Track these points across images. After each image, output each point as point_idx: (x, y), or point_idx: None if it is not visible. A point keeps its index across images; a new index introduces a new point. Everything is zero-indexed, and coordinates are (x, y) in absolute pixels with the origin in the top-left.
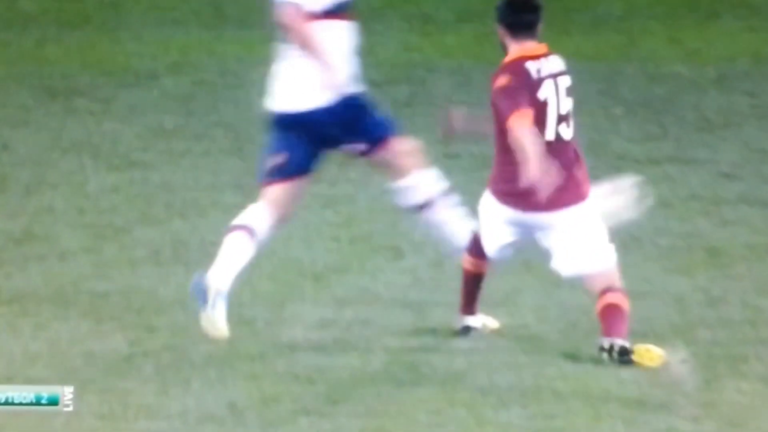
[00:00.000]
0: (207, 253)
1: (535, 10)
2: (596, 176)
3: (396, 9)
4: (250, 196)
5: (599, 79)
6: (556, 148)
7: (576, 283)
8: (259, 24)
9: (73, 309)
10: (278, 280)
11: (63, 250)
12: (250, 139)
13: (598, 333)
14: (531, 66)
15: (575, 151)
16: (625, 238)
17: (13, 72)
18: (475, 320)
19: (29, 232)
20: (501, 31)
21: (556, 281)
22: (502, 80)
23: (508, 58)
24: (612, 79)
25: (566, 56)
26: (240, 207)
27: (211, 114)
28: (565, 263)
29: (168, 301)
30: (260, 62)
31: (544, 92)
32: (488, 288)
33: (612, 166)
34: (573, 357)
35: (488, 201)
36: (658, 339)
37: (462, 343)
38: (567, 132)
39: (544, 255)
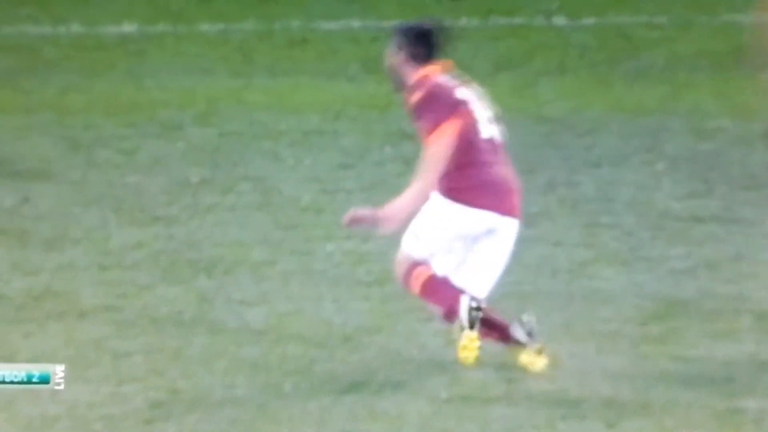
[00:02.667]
0: (233, 312)
1: (440, 33)
2: (638, 235)
3: None
4: (278, 252)
5: (642, 133)
6: (495, 147)
7: (620, 349)
8: (289, 72)
9: (93, 370)
10: (307, 341)
11: (83, 308)
12: (279, 194)
13: (639, 403)
14: (441, 78)
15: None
16: (669, 300)
17: (35, 121)
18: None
19: (49, 288)
20: (402, 57)
21: (597, 347)
22: (417, 96)
23: (416, 77)
24: (655, 133)
25: (607, 109)
26: (268, 264)
27: (238, 166)
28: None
29: (192, 361)
30: (290, 112)
31: (462, 94)
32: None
33: (654, 224)
34: (613, 426)
35: (439, 205)
36: (705, 406)
37: (498, 410)
38: (498, 135)
39: (583, 317)
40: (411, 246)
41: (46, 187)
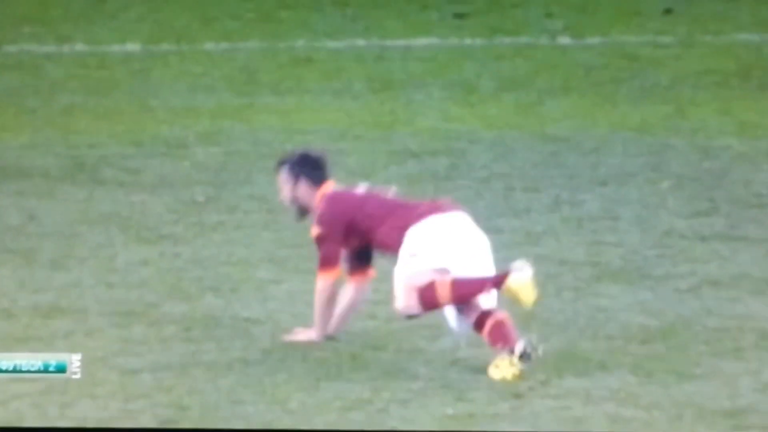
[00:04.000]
0: (240, 330)
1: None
2: (643, 253)
3: (436, 78)
4: (284, 270)
5: (646, 152)
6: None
7: (624, 367)
8: (294, 91)
9: (100, 387)
10: (314, 358)
11: (91, 326)
12: (285, 212)
13: (644, 421)
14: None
15: None
16: (672, 318)
17: (39, 140)
18: None
19: (56, 307)
20: (303, 186)
21: (602, 364)
22: (315, 230)
23: (318, 197)
24: (660, 152)
25: (612, 127)
26: (274, 282)
27: (243, 185)
28: None
29: (200, 379)
30: (295, 132)
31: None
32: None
33: (659, 242)
34: None
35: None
36: (709, 424)
37: (503, 427)
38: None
39: (587, 335)
40: None
41: (52, 206)
